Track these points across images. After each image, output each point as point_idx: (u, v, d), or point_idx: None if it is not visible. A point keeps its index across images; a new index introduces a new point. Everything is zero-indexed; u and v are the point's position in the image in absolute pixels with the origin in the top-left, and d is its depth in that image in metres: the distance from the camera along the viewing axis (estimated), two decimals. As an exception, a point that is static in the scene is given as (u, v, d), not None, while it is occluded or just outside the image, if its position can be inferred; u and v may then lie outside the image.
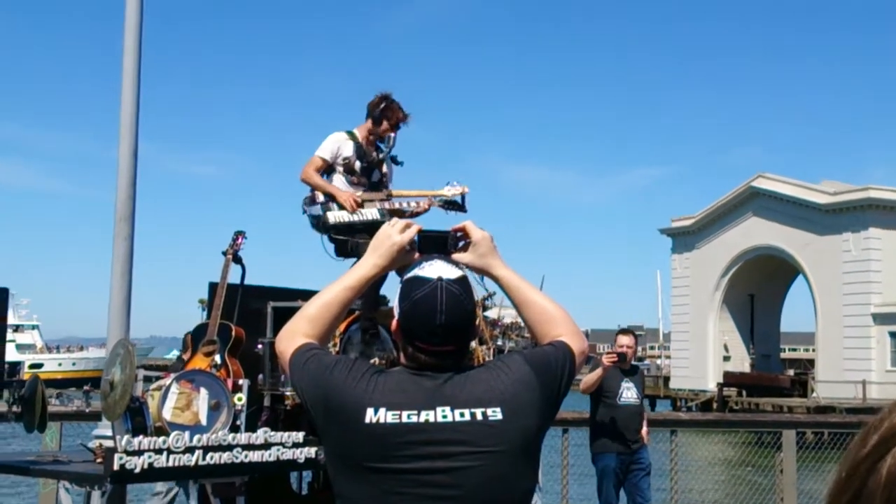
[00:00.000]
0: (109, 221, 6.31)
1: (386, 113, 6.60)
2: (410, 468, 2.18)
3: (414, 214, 6.60)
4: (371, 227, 6.29)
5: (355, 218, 6.42)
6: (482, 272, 2.53)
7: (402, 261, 2.48)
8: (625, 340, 8.52)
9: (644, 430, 8.46)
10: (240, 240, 6.52)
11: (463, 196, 6.59)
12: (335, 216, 6.45)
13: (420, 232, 2.47)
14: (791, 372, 56.77)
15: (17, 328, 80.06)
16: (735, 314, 55.09)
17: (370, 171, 6.68)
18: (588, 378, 8.49)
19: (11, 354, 76.01)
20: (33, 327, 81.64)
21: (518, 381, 2.28)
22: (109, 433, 5.50)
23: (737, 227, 53.45)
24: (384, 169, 6.74)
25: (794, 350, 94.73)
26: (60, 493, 5.58)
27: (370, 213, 6.48)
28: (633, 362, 8.67)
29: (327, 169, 6.60)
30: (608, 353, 8.53)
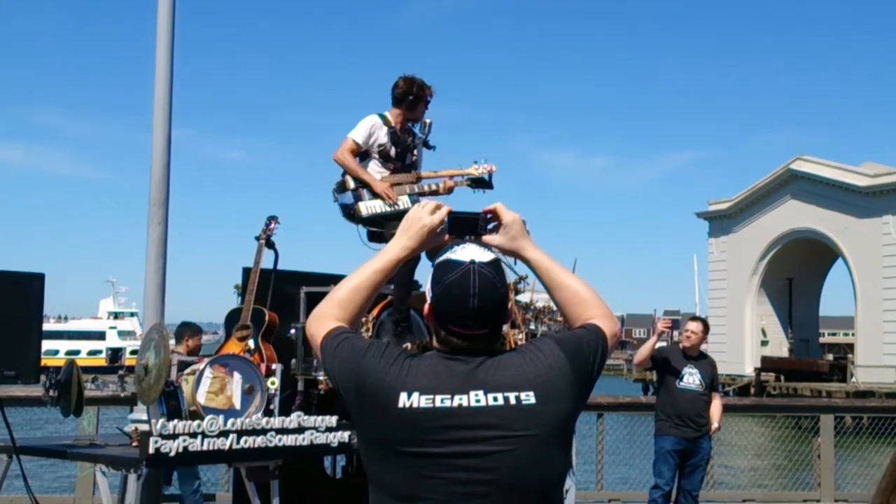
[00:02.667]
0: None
1: (419, 94, 6.57)
2: (443, 452, 2.17)
3: (438, 192, 6.57)
4: (403, 216, 6.26)
5: (388, 209, 6.39)
6: (513, 254, 2.50)
7: (432, 243, 2.46)
8: (692, 326, 8.52)
9: (714, 418, 8.39)
10: (272, 225, 6.52)
11: (490, 174, 6.56)
12: (367, 207, 6.41)
13: (450, 214, 2.44)
14: (830, 356, 56.26)
15: (116, 315, 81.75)
16: (773, 298, 54.66)
17: (403, 156, 6.65)
18: (641, 350, 8.49)
19: (113, 341, 77.93)
20: (132, 314, 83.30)
21: (551, 365, 2.26)
22: (145, 417, 5.54)
23: (775, 211, 52.96)
24: (415, 152, 6.72)
25: (834, 334, 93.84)
26: (97, 476, 5.63)
27: (402, 201, 6.45)
28: (702, 351, 8.65)
29: (362, 155, 6.57)
30: (663, 319, 8.63)
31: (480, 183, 6.59)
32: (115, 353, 75.62)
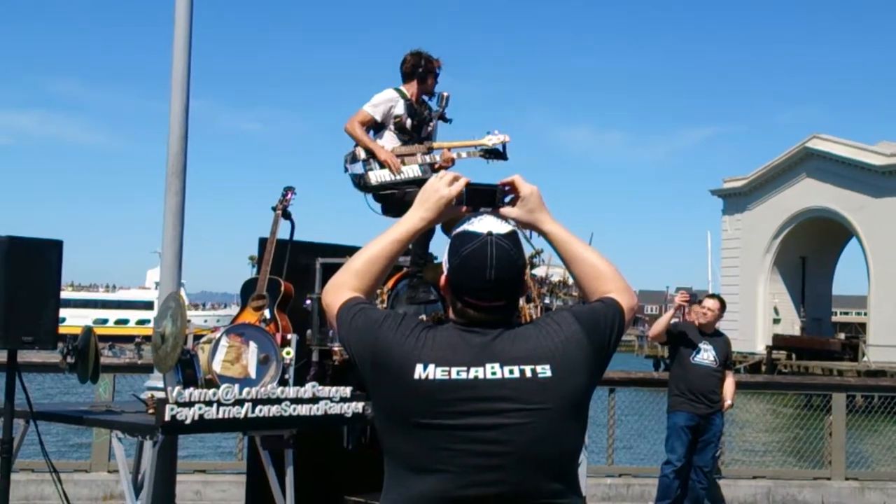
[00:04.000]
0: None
1: (428, 66, 6.59)
2: (459, 424, 2.18)
3: (452, 161, 6.58)
4: (414, 183, 6.28)
5: (397, 177, 6.40)
6: (530, 227, 2.48)
7: (448, 214, 2.45)
8: (709, 303, 8.53)
9: (727, 396, 8.40)
10: (289, 195, 6.53)
11: (504, 145, 6.54)
12: (376, 176, 6.43)
13: (468, 185, 2.42)
14: (842, 335, 56.09)
15: None
16: (786, 277, 54.50)
17: (420, 129, 6.66)
18: (657, 323, 8.49)
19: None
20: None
21: (567, 338, 2.26)
22: (161, 385, 5.59)
23: (790, 189, 52.70)
24: (431, 125, 6.72)
25: (846, 314, 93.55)
26: (113, 442, 5.69)
27: (412, 170, 6.45)
28: (718, 329, 8.65)
29: (377, 127, 6.58)
30: (682, 292, 8.63)
31: (494, 154, 6.57)
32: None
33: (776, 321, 54.09)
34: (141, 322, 74.14)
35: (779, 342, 49.96)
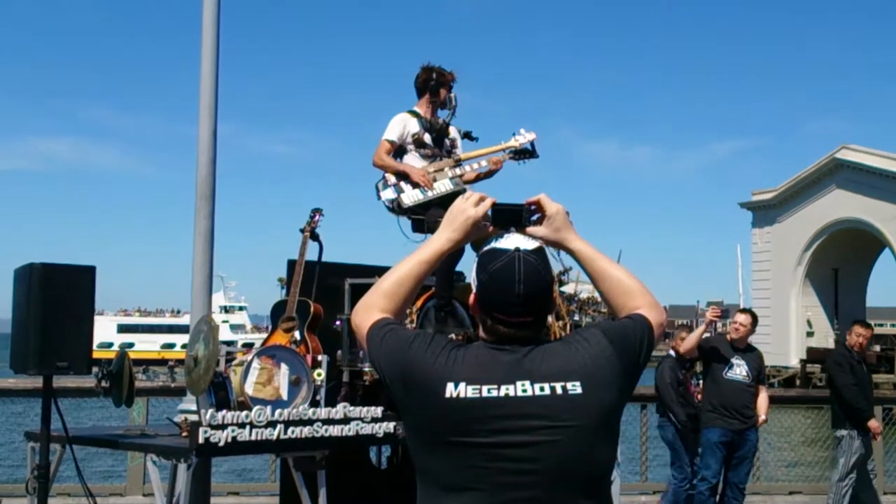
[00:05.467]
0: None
1: (440, 80, 6.62)
2: (491, 442, 2.18)
3: (490, 174, 6.58)
4: (446, 200, 6.29)
5: (430, 194, 6.42)
6: (557, 245, 2.49)
7: (476, 234, 2.47)
8: (741, 318, 8.49)
9: (761, 411, 8.34)
10: (317, 217, 6.57)
11: (532, 143, 6.53)
12: (409, 197, 6.45)
13: (494, 205, 2.45)
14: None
15: (227, 309, 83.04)
16: (818, 289, 53.94)
17: (440, 141, 6.68)
18: (689, 338, 8.45)
19: (226, 334, 79.09)
20: (241, 308, 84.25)
21: (597, 354, 2.26)
22: (194, 407, 5.63)
23: (820, 200, 52.23)
24: (452, 134, 6.74)
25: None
26: (148, 465, 5.73)
27: (443, 185, 6.47)
28: (750, 343, 8.61)
29: (397, 150, 6.61)
30: (713, 307, 8.60)
31: (524, 153, 6.56)
32: (228, 346, 76.64)
33: (810, 334, 53.52)
34: None
35: (813, 355, 49.38)
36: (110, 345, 76.46)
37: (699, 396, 8.63)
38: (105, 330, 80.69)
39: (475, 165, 6.62)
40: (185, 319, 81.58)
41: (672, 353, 8.99)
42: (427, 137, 6.61)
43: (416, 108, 6.68)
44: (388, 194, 6.50)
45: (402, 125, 6.57)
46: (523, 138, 6.52)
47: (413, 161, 6.58)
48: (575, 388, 2.21)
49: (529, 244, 2.33)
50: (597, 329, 2.36)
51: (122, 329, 79.52)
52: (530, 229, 2.44)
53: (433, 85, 6.62)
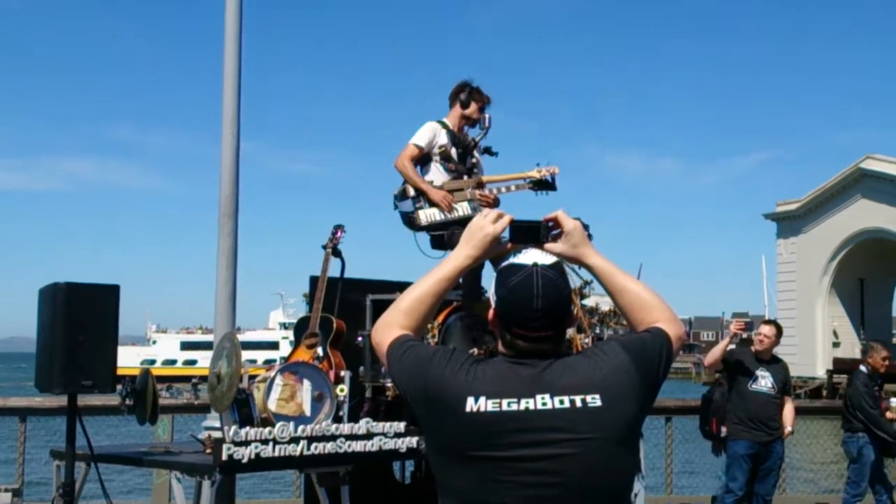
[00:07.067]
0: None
1: (473, 95, 6.65)
2: (512, 456, 2.19)
3: (497, 202, 6.58)
4: (464, 222, 6.31)
5: (448, 217, 6.44)
6: (575, 261, 2.50)
7: (494, 251, 2.49)
8: (765, 329, 8.44)
9: (787, 422, 8.29)
10: (339, 234, 6.60)
11: (553, 176, 6.55)
12: (427, 215, 6.47)
13: (512, 222, 2.46)
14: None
15: (286, 326, 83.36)
16: (844, 299, 53.52)
17: (465, 158, 6.70)
18: (713, 351, 8.42)
19: (286, 350, 78.78)
20: None
21: (616, 367, 2.27)
22: (218, 424, 5.65)
23: (845, 211, 51.87)
24: (476, 155, 6.77)
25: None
26: (172, 482, 5.76)
27: (462, 207, 6.48)
28: (775, 355, 8.57)
29: (422, 158, 6.63)
30: (737, 320, 8.57)
31: (543, 185, 6.57)
32: (287, 362, 77.13)
33: (836, 345, 53.08)
34: (267, 362, 75.21)
35: (839, 366, 48.93)
36: (174, 362, 77.01)
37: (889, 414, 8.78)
38: (169, 348, 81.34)
39: (495, 190, 6.65)
40: (245, 336, 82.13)
41: (864, 368, 9.09)
42: (453, 152, 6.64)
43: (445, 120, 6.71)
44: (406, 207, 6.53)
45: (433, 133, 6.60)
46: (545, 170, 6.54)
47: (436, 173, 6.60)
48: (595, 401, 2.21)
49: (547, 259, 2.34)
50: (616, 342, 2.37)
51: (185, 346, 79.99)
52: (548, 245, 2.45)
53: (464, 98, 6.65)
